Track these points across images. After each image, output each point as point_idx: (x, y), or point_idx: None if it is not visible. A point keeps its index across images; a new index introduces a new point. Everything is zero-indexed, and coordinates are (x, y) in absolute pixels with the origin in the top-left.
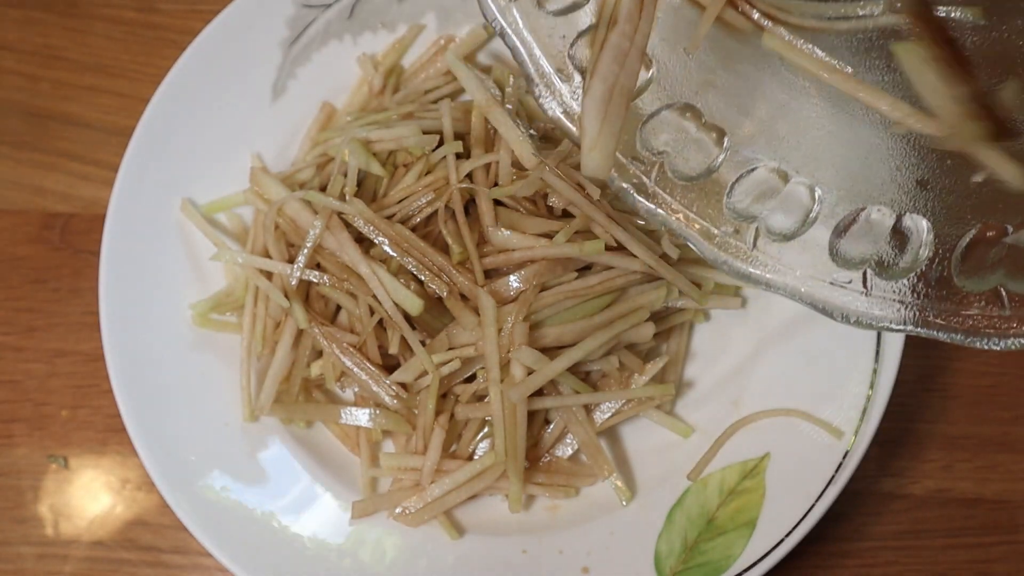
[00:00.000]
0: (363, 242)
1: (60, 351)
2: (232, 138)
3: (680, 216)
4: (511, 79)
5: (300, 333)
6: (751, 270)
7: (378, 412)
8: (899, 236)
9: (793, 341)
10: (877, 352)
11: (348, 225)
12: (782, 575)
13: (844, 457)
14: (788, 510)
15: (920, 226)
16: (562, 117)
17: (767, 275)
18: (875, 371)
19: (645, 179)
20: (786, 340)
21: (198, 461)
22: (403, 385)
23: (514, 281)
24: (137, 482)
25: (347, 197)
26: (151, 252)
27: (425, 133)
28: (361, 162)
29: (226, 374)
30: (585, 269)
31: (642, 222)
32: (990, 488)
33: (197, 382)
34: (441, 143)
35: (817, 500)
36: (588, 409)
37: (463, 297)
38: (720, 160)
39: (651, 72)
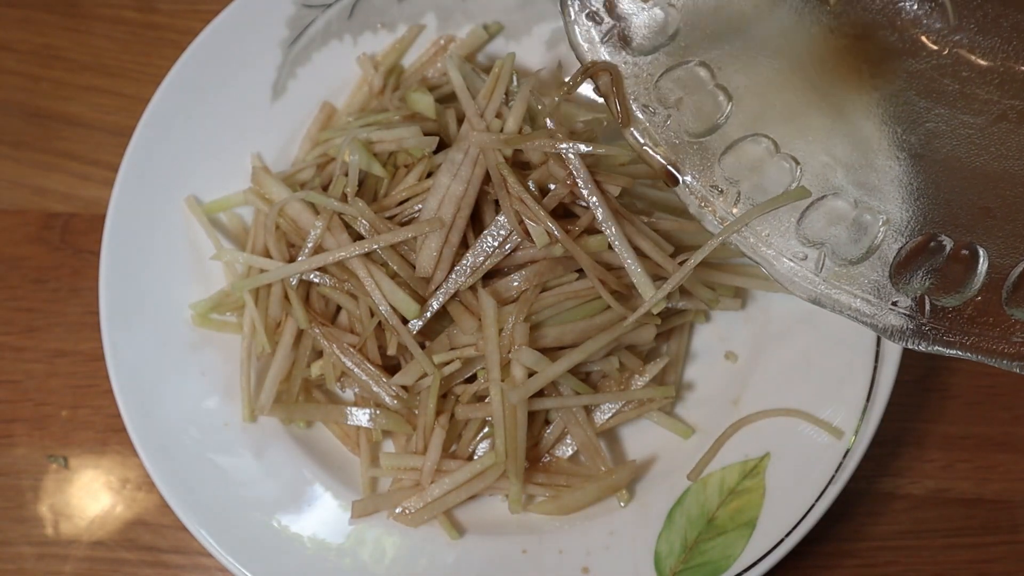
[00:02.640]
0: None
1: (60, 351)
2: (232, 138)
3: (753, 240)
4: (515, 80)
5: (300, 333)
6: (820, 291)
7: (378, 412)
8: (956, 264)
9: (793, 341)
10: (877, 352)
11: (348, 226)
12: (782, 575)
13: (844, 457)
14: (788, 510)
15: (978, 254)
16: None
17: (833, 296)
18: (875, 371)
19: (720, 204)
20: (786, 340)
21: (198, 461)
22: (403, 385)
23: (515, 281)
24: (137, 482)
25: (348, 198)
26: (151, 252)
27: (426, 135)
28: (362, 163)
29: (226, 374)
30: None
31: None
32: (990, 488)
33: (197, 382)
34: (442, 145)
35: (817, 500)
36: (588, 410)
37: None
38: (793, 187)
39: (730, 106)
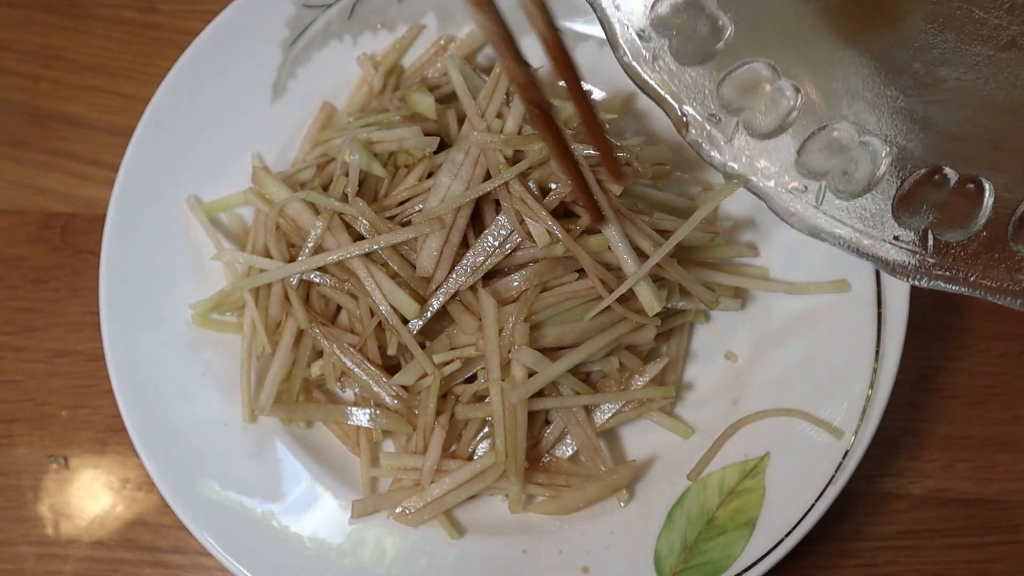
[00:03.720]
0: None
1: (60, 351)
2: (232, 138)
3: (750, 170)
4: None
5: (300, 333)
6: (820, 224)
7: (378, 412)
8: (960, 198)
9: (793, 341)
10: (877, 352)
11: (348, 226)
12: (782, 575)
13: (844, 457)
14: (788, 510)
15: (984, 188)
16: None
17: (833, 229)
18: (875, 371)
19: (721, 137)
20: (786, 340)
21: (198, 461)
22: (404, 385)
23: (515, 281)
24: (137, 482)
25: (349, 198)
26: (151, 252)
27: (426, 135)
28: (363, 163)
29: (226, 374)
30: None
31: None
32: (990, 488)
33: (197, 382)
34: (443, 145)
35: (817, 500)
36: (588, 410)
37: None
38: (793, 116)
39: (729, 31)
